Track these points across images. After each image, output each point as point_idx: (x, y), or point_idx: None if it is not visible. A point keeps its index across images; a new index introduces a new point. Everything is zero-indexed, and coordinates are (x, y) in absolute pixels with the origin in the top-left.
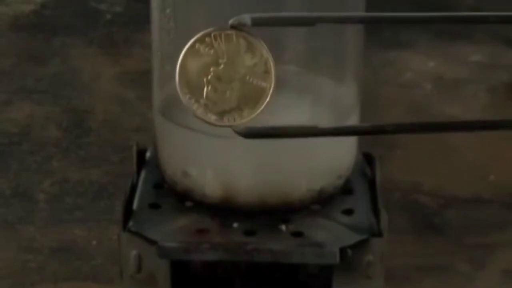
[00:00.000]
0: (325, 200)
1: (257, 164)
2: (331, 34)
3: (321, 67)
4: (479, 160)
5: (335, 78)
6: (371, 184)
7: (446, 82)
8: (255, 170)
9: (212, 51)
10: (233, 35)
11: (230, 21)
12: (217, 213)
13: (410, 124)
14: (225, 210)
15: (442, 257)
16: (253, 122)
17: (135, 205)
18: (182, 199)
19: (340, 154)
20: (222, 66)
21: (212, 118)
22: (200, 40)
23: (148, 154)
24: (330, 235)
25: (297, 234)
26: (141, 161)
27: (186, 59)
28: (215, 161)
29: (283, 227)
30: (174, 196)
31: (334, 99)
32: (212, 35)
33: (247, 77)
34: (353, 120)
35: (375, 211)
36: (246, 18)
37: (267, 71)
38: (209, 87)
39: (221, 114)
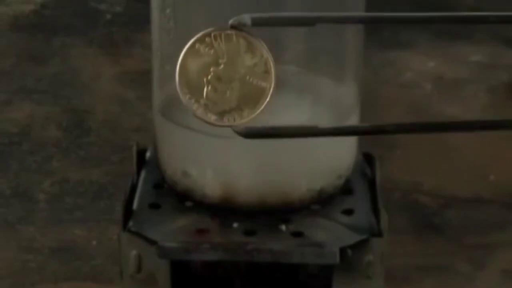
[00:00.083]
0: (325, 200)
1: (257, 164)
2: (331, 34)
3: (321, 67)
4: (479, 160)
5: (335, 78)
6: (371, 184)
7: (446, 82)
8: (255, 170)
9: (212, 51)
10: (233, 35)
11: (230, 21)
12: (217, 213)
13: (410, 124)
14: (225, 210)
15: (442, 257)
16: (253, 122)
17: (135, 205)
18: (182, 199)
19: (340, 154)
20: (222, 66)
21: (212, 118)
22: (200, 40)
23: (148, 154)
24: (330, 235)
25: (297, 234)
26: (141, 161)
27: (186, 59)
28: (215, 161)
29: (283, 227)
30: (174, 196)
31: (334, 99)
32: (212, 35)
33: (247, 77)
34: (353, 120)
35: (375, 211)
36: (246, 18)
37: (267, 71)
38: (209, 87)
39: (221, 114)
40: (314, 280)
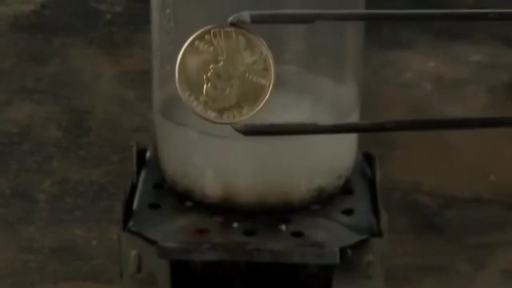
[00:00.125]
0: (325, 200)
1: (257, 164)
2: (331, 34)
3: (321, 67)
4: (479, 160)
5: (335, 78)
6: (371, 184)
7: (446, 82)
8: (255, 170)
9: (211, 49)
10: (233, 32)
11: (230, 19)
12: (217, 213)
13: (410, 121)
14: (225, 210)
15: (442, 257)
16: (252, 120)
17: (135, 205)
18: (182, 199)
19: (340, 154)
20: (221, 63)
21: (212, 115)
22: (200, 38)
23: (148, 154)
24: (330, 235)
25: (297, 234)
26: (141, 161)
27: (186, 57)
28: (215, 161)
29: (283, 227)
30: (174, 196)
31: (334, 99)
32: (212, 32)
33: (247, 74)
34: (353, 120)
35: (375, 211)
36: (245, 15)
37: (266, 69)
38: (209, 84)
39: (221, 111)
40: (314, 280)
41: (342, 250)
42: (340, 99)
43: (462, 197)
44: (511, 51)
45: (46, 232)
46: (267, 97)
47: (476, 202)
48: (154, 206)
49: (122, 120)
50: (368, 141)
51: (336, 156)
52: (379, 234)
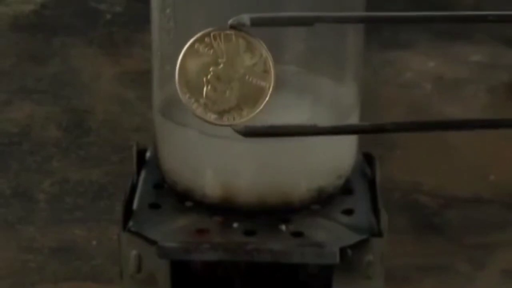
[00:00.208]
0: (325, 200)
1: (257, 164)
2: (331, 34)
3: (321, 67)
4: (479, 160)
5: (335, 78)
6: (371, 184)
7: (446, 82)
8: (255, 170)
9: (211, 51)
10: (233, 35)
11: (230, 21)
12: (217, 213)
13: (410, 123)
14: (225, 210)
15: (442, 257)
16: (252, 122)
17: (135, 205)
18: (182, 199)
19: (340, 154)
20: (221, 65)
21: (212, 117)
22: (200, 40)
23: (148, 154)
24: (330, 235)
25: (297, 234)
26: (141, 161)
27: (186, 59)
28: (215, 161)
29: (283, 227)
30: (174, 196)
31: (334, 99)
32: (212, 35)
33: (247, 77)
34: (353, 120)
35: (375, 211)
36: (245, 18)
37: (266, 71)
38: (209, 87)
39: (221, 113)
40: (314, 280)
41: (342, 250)
42: (340, 99)
43: (462, 197)
44: (511, 51)
45: (46, 232)
46: (267, 99)
47: (476, 202)
48: (154, 206)
49: (122, 120)
50: (368, 141)
51: (336, 156)
52: (379, 234)
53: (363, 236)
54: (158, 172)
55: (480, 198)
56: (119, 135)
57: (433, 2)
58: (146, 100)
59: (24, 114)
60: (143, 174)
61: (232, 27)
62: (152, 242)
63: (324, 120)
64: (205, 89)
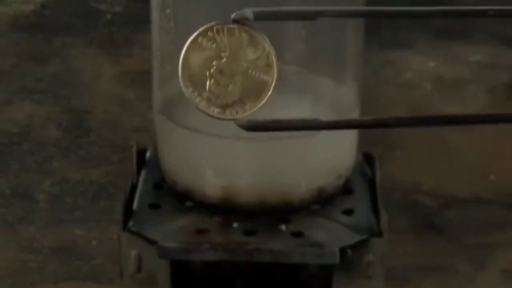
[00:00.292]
0: (325, 200)
1: (257, 164)
2: (331, 34)
3: (321, 67)
4: (479, 160)
5: (335, 78)
6: (371, 184)
7: (446, 82)
8: (255, 170)
9: (214, 45)
10: (236, 29)
11: (232, 15)
12: (217, 213)
13: (411, 117)
14: (225, 210)
15: (442, 257)
16: (255, 116)
17: (135, 205)
18: (182, 199)
19: (340, 154)
20: (224, 59)
21: (215, 111)
22: (203, 34)
23: (148, 154)
24: (330, 235)
25: (297, 234)
26: (141, 161)
27: (189, 53)
28: (215, 161)
29: (283, 227)
30: (174, 196)
31: (334, 99)
32: (215, 29)
33: (250, 71)
34: None
35: (375, 211)
36: (248, 12)
37: (269, 65)
38: (212, 81)
39: (224, 107)
40: (314, 280)
41: (342, 250)
42: (340, 99)
43: (462, 197)
44: (511, 51)
45: (46, 232)
46: (270, 93)
47: (476, 202)
48: (154, 206)
49: (122, 120)
50: (368, 141)
51: (336, 156)
52: (379, 234)
53: (363, 236)
54: (158, 172)
55: (480, 198)
56: (119, 135)
57: (433, 1)
58: (146, 100)
59: (24, 114)
60: (143, 174)
61: (235, 21)
62: (152, 242)
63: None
64: (208, 83)
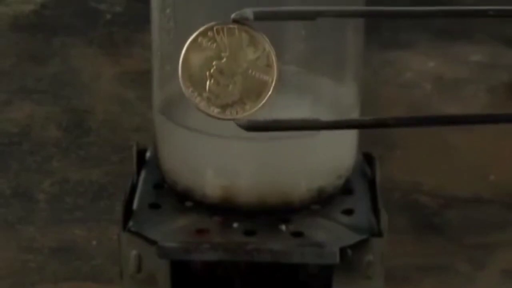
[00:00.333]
0: (325, 200)
1: (257, 164)
2: (331, 34)
3: (321, 67)
4: (479, 160)
5: (335, 78)
6: (371, 184)
7: (446, 82)
8: (255, 170)
9: (214, 45)
10: (236, 29)
11: (232, 15)
12: (217, 213)
13: (411, 117)
14: (225, 210)
15: (442, 257)
16: (255, 117)
17: (135, 205)
18: (182, 199)
19: (340, 154)
20: (224, 59)
21: (215, 111)
22: (203, 34)
23: (148, 154)
24: (330, 235)
25: (297, 234)
26: (141, 161)
27: (189, 53)
28: (215, 161)
29: (283, 227)
30: (174, 196)
31: (334, 99)
32: (215, 29)
33: (250, 71)
34: None
35: (375, 211)
36: (248, 12)
37: (269, 65)
38: (212, 81)
39: (224, 107)
40: (314, 280)
41: (342, 250)
42: (340, 99)
43: (462, 197)
44: (511, 51)
45: (46, 232)
46: (270, 93)
47: (476, 202)
48: (154, 206)
49: (122, 120)
50: (368, 141)
51: (336, 156)
52: (379, 234)
53: (363, 236)
54: (158, 172)
55: (480, 198)
56: (119, 135)
57: (433, 2)
58: (146, 100)
59: (24, 114)
60: (143, 174)
61: (235, 21)
62: (152, 242)
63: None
64: (208, 83)
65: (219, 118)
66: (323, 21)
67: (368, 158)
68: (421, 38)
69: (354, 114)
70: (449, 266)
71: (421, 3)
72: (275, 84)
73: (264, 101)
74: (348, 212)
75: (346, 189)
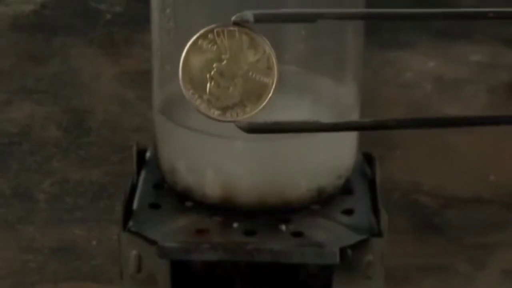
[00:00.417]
0: (325, 200)
1: (257, 164)
2: (332, 34)
3: (321, 67)
4: (479, 160)
5: (335, 78)
6: (371, 184)
7: (446, 82)
8: (255, 170)
9: (215, 47)
10: (236, 31)
11: (233, 18)
12: (217, 213)
13: (411, 119)
14: (225, 210)
15: (442, 257)
16: (255, 118)
17: (135, 205)
18: (182, 199)
19: (340, 154)
20: (225, 62)
21: (215, 113)
22: (203, 36)
23: (148, 154)
24: (330, 235)
25: (297, 234)
26: (141, 161)
27: (189, 55)
28: (215, 161)
29: (283, 227)
30: (174, 196)
31: (334, 99)
32: (215, 31)
33: (250, 73)
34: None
35: (375, 211)
36: (249, 14)
37: (269, 67)
38: (212, 83)
39: (224, 109)
40: (314, 280)
41: (342, 250)
42: (340, 99)
43: (462, 197)
44: (511, 51)
45: (46, 232)
46: (270, 95)
47: (476, 202)
48: (154, 206)
49: (122, 120)
50: (368, 141)
51: (336, 156)
52: (379, 234)
53: (363, 236)
54: (158, 172)
55: (480, 198)
56: (119, 135)
57: (433, 2)
58: (146, 100)
59: (24, 114)
60: (143, 174)
61: (236, 23)
62: (152, 242)
63: (324, 120)
64: (208, 85)
65: (219, 120)
66: (324, 22)
67: (368, 158)
68: (421, 38)
69: (354, 114)
70: (449, 266)
71: (421, 4)
72: (275, 86)
73: (264, 103)
74: (348, 212)
75: (346, 189)
